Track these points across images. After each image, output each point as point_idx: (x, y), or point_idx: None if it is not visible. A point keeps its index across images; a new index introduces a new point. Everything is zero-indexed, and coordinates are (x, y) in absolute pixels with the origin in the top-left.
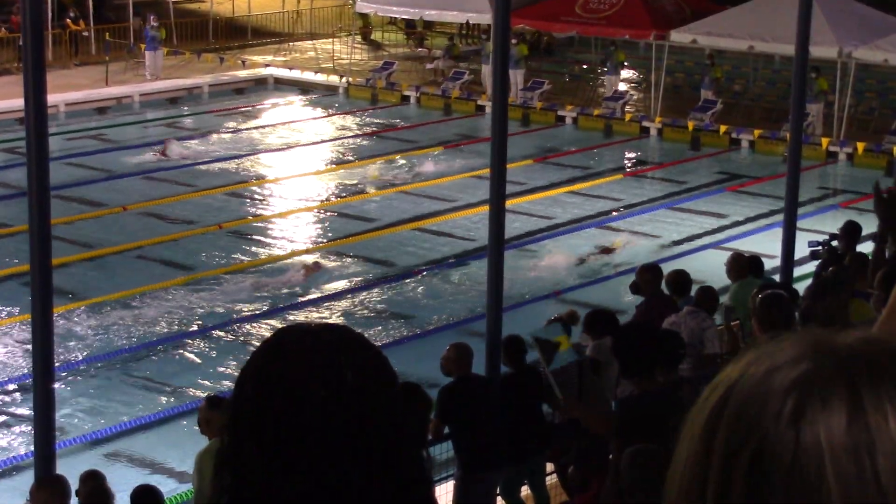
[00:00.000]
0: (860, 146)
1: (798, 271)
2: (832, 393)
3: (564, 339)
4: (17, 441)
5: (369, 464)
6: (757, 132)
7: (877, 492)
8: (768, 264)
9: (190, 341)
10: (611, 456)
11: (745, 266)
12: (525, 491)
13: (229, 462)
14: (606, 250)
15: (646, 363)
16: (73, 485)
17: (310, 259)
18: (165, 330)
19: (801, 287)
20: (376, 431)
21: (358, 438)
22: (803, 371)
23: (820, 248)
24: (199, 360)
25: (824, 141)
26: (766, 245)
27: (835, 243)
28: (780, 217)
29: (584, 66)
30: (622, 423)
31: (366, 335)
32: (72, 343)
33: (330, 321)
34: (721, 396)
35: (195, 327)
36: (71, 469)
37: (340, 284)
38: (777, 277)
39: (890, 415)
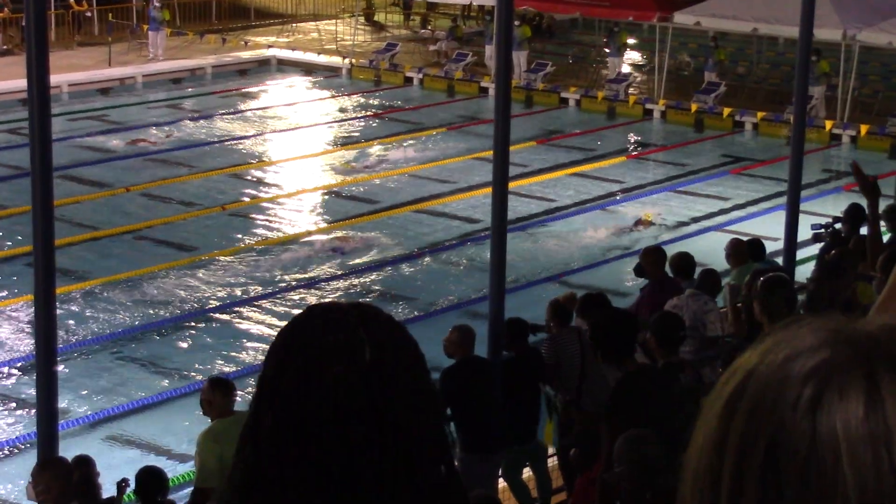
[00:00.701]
0: (863, 129)
1: (801, 254)
2: (850, 382)
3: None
4: (18, 422)
5: (387, 440)
6: (760, 115)
7: (893, 483)
8: (771, 247)
9: (192, 323)
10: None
11: (744, 252)
12: (527, 472)
13: (250, 436)
14: (641, 223)
15: (623, 348)
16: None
17: (341, 234)
18: (167, 312)
19: (803, 270)
20: (396, 408)
21: (376, 414)
22: (821, 360)
23: (823, 230)
24: (200, 342)
25: (828, 123)
26: (770, 228)
27: (838, 226)
28: (783, 200)
29: (588, 48)
30: (610, 407)
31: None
32: (74, 324)
33: (357, 301)
34: (739, 383)
35: (197, 309)
36: (71, 451)
37: (343, 266)
38: (780, 260)
39: None
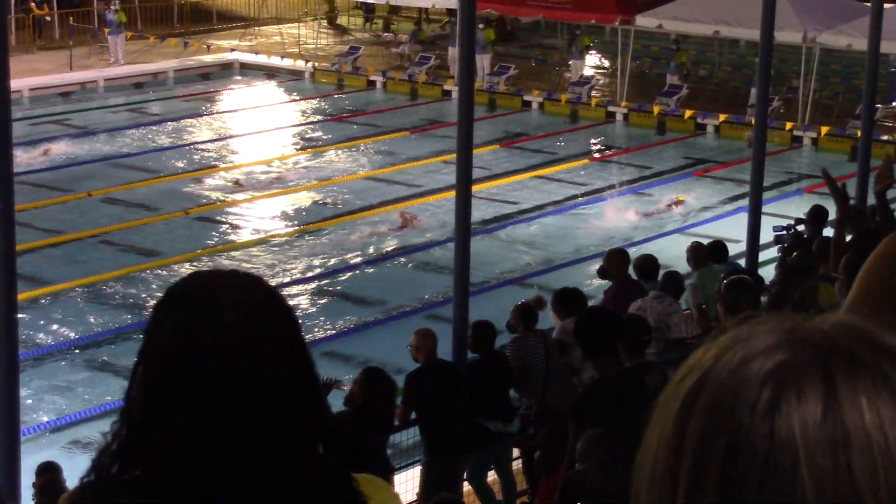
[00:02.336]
0: (824, 130)
1: (763, 256)
2: (807, 385)
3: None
4: None
5: (250, 402)
6: (722, 117)
7: (851, 487)
8: (733, 249)
9: None
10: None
11: (705, 255)
12: (492, 476)
13: (127, 392)
14: (675, 204)
15: (606, 346)
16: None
17: (407, 212)
18: (131, 316)
19: (765, 271)
20: (260, 371)
21: (239, 376)
22: (779, 361)
23: (784, 232)
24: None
25: (788, 125)
26: (732, 230)
27: (800, 228)
28: (745, 202)
29: (551, 51)
30: (581, 409)
31: (327, 317)
32: (36, 329)
33: (233, 268)
34: (695, 384)
35: None
36: (34, 457)
37: (307, 270)
38: (742, 262)
39: (865, 409)
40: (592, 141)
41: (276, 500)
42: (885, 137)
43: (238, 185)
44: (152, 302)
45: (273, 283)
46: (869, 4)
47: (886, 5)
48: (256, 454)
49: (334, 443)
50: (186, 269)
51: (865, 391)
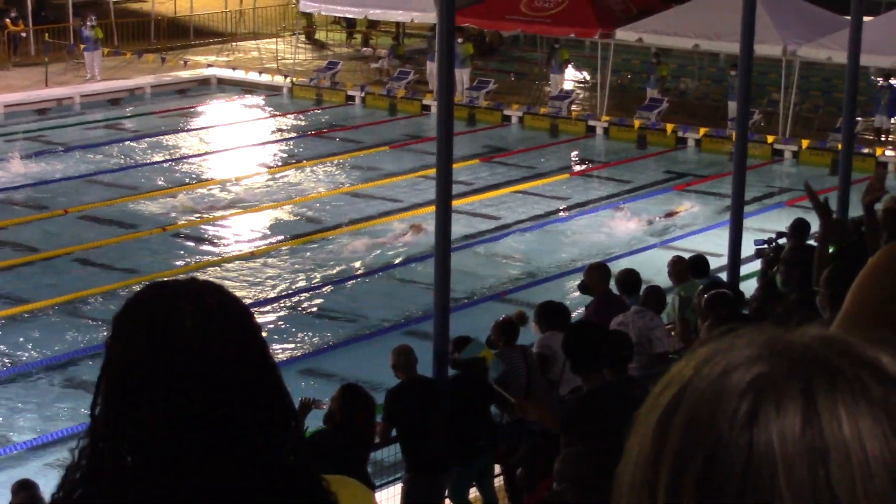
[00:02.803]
0: (805, 143)
1: (745, 270)
2: (787, 397)
3: (487, 352)
4: None
5: (212, 406)
6: (703, 131)
7: (830, 500)
8: (715, 263)
9: None
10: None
11: (685, 269)
12: (473, 492)
13: (93, 400)
14: (671, 214)
15: (595, 360)
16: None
17: (416, 222)
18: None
19: (747, 285)
20: (221, 376)
21: (199, 381)
22: (758, 373)
23: (766, 246)
24: None
25: (769, 138)
26: (713, 244)
27: (782, 241)
28: (726, 215)
29: (531, 65)
30: (568, 422)
31: (307, 334)
32: (13, 348)
33: (192, 276)
34: (674, 396)
35: None
36: (10, 477)
37: (286, 286)
38: (724, 276)
39: (844, 421)
40: (573, 155)
41: (245, 502)
42: (865, 151)
43: (209, 207)
44: None
45: (251, 300)
46: (848, 17)
47: (866, 18)
48: (223, 457)
49: (300, 443)
50: None
51: (845, 404)
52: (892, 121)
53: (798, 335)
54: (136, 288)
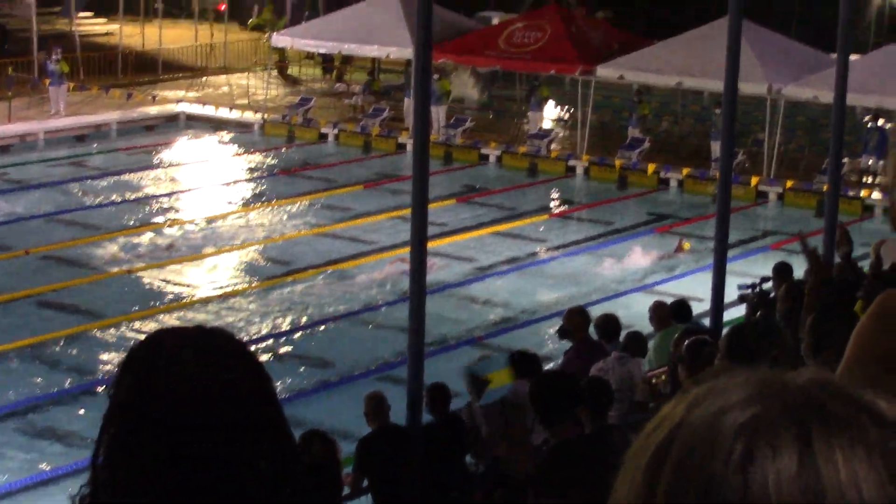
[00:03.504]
0: (789, 185)
1: (728, 315)
2: (783, 438)
3: (497, 375)
4: None
5: (217, 456)
6: (686, 171)
7: None
8: (697, 308)
9: (99, 392)
10: None
11: (667, 314)
12: None
13: (97, 445)
14: (678, 249)
15: (562, 411)
16: None
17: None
18: (71, 379)
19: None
20: (227, 425)
21: (206, 430)
22: (752, 414)
23: (749, 291)
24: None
25: (753, 180)
26: (696, 288)
27: (766, 285)
28: (709, 259)
29: (509, 103)
30: (541, 475)
31: (276, 380)
32: None
33: (199, 325)
34: (666, 437)
35: (103, 377)
36: None
37: (255, 330)
38: (707, 322)
39: (840, 463)
40: (552, 196)
41: None
42: (851, 193)
43: (171, 248)
44: (94, 364)
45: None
46: (834, 56)
47: (852, 57)
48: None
49: (305, 490)
50: (129, 331)
51: (841, 447)
52: (880, 163)
53: (793, 378)
54: (101, 331)
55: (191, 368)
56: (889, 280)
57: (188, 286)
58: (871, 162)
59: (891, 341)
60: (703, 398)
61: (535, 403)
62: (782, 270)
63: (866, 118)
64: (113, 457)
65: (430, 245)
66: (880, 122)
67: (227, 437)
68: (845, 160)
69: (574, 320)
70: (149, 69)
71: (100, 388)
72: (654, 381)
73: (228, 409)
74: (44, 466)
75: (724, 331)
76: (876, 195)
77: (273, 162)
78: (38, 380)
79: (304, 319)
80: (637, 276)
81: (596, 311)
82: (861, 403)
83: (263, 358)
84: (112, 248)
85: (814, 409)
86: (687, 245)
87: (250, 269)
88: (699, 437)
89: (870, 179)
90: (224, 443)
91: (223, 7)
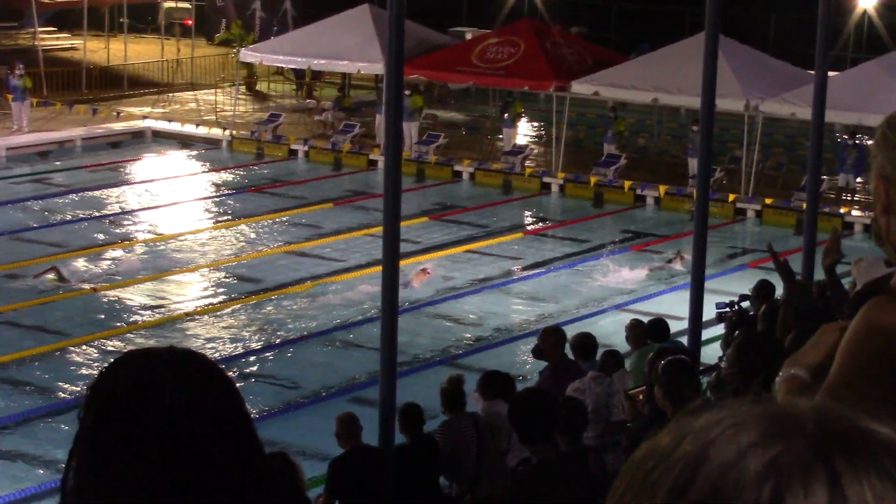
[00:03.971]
0: (768, 202)
1: (706, 334)
2: (812, 477)
3: None
4: None
5: (191, 478)
6: (662, 188)
7: None
8: (675, 327)
9: (62, 414)
10: None
11: (644, 333)
12: None
13: (66, 470)
14: (675, 259)
15: (543, 430)
16: None
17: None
18: (33, 401)
19: (709, 350)
20: (202, 447)
21: (180, 452)
22: (776, 453)
23: (727, 309)
24: (72, 434)
25: (731, 197)
26: (673, 307)
27: (745, 304)
28: (687, 277)
29: (482, 119)
30: (517, 495)
31: (250, 400)
32: None
33: (171, 345)
34: (681, 476)
35: (67, 399)
36: None
37: (222, 350)
38: (685, 340)
39: (870, 499)
40: (526, 213)
41: None
42: (828, 210)
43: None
44: (60, 385)
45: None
46: (812, 72)
47: (831, 73)
48: None
49: None
50: (95, 350)
51: (868, 481)
52: (858, 180)
53: (799, 409)
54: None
55: (164, 391)
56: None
57: (155, 305)
58: (848, 179)
59: (876, 360)
60: (715, 434)
61: (514, 422)
62: (763, 289)
63: (842, 136)
64: (83, 481)
65: (403, 263)
66: (858, 139)
67: (201, 461)
68: (824, 177)
69: (549, 339)
70: (114, 85)
71: (65, 410)
72: (640, 396)
73: (202, 432)
74: (7, 489)
75: (734, 343)
76: (856, 212)
77: (242, 179)
78: (1, 402)
79: (273, 339)
80: (613, 294)
81: (571, 330)
82: (876, 435)
83: (232, 379)
84: (76, 267)
85: (836, 444)
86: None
87: (218, 287)
88: (723, 478)
89: (848, 197)
90: (197, 466)
91: (190, 22)
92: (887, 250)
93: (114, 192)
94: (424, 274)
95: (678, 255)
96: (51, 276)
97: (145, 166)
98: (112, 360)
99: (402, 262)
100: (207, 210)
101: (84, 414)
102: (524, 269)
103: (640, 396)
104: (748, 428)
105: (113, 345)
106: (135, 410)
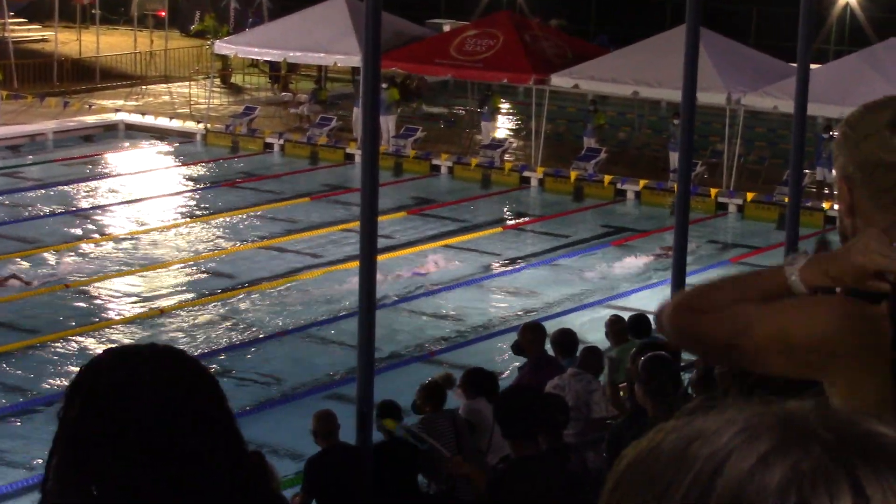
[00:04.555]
0: (750, 197)
1: None
2: (836, 484)
3: (390, 422)
4: None
5: (174, 475)
6: (643, 182)
7: None
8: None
9: (36, 410)
10: None
11: (624, 329)
12: None
13: (45, 470)
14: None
15: (528, 427)
16: None
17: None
18: (6, 399)
19: None
20: (185, 444)
21: (164, 450)
22: (796, 460)
23: None
24: (45, 432)
25: (713, 191)
26: (654, 302)
27: None
28: (668, 273)
29: (459, 112)
30: (495, 491)
31: (228, 399)
32: None
33: (153, 342)
34: (696, 484)
35: (40, 396)
36: None
37: (196, 346)
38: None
39: (892, 501)
40: (506, 208)
41: None
42: (809, 204)
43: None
44: (32, 383)
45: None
46: (794, 65)
47: (813, 66)
48: None
49: None
50: (67, 348)
51: (890, 485)
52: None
53: (804, 413)
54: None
55: (147, 389)
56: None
57: (128, 301)
58: (825, 174)
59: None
60: (726, 440)
61: (500, 418)
62: None
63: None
64: (65, 481)
65: (380, 258)
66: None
67: (187, 461)
68: (806, 171)
69: (528, 336)
70: (86, 77)
71: (38, 409)
72: (621, 393)
73: (187, 431)
74: None
75: None
76: (837, 206)
77: (216, 173)
78: None
79: (248, 335)
80: (594, 290)
81: (551, 326)
82: (881, 436)
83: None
84: (49, 262)
85: (854, 451)
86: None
87: (193, 283)
88: (744, 488)
89: (828, 190)
90: (184, 466)
91: (163, 13)
92: None
93: (86, 186)
94: (437, 264)
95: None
96: (13, 282)
97: (118, 160)
98: (93, 357)
99: (380, 258)
100: (182, 204)
101: (65, 412)
102: (503, 264)
103: (621, 393)
104: (761, 434)
105: (86, 342)
106: (118, 408)
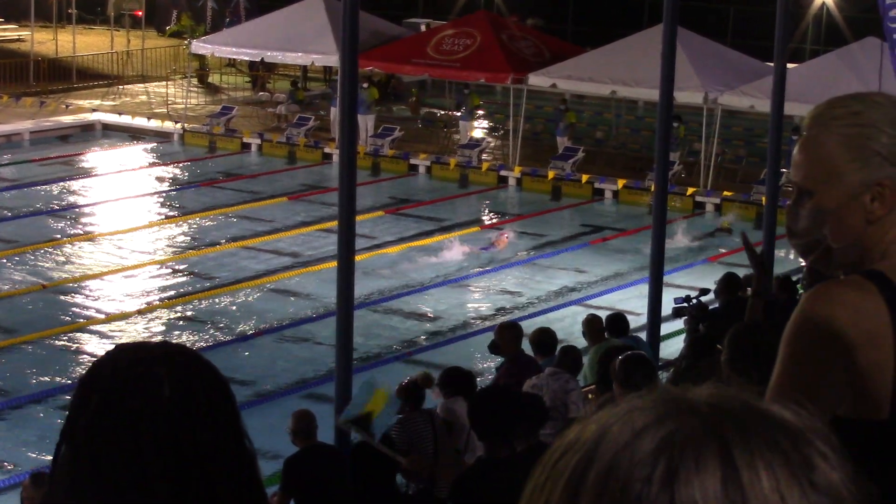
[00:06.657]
0: (727, 195)
1: (665, 329)
2: (705, 453)
3: (377, 398)
4: None
5: (187, 477)
6: (621, 182)
7: None
8: (634, 322)
9: (13, 411)
10: None
11: (600, 328)
12: None
13: (52, 467)
14: (721, 230)
15: (502, 428)
16: None
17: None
18: None
19: (667, 345)
20: (198, 445)
21: (176, 450)
22: (670, 431)
23: (685, 304)
24: (22, 434)
25: (690, 190)
26: (632, 302)
27: (704, 298)
28: (646, 272)
29: (439, 112)
30: (461, 492)
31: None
32: None
33: (165, 340)
34: (579, 462)
35: (17, 396)
36: None
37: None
38: (644, 336)
39: (762, 473)
40: (484, 207)
41: None
42: (786, 203)
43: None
44: (11, 383)
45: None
46: (771, 65)
47: (790, 65)
48: None
49: None
50: (44, 349)
51: (763, 459)
52: None
53: (697, 394)
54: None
55: (164, 385)
56: None
57: (106, 301)
58: None
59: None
60: (612, 421)
61: (474, 419)
62: (730, 283)
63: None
64: (73, 478)
65: (358, 258)
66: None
67: (202, 458)
68: (783, 171)
69: (505, 335)
70: (63, 77)
71: (15, 408)
72: (589, 397)
73: (202, 428)
74: None
75: (727, 337)
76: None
77: (194, 173)
78: None
79: (226, 335)
80: (572, 289)
81: (529, 326)
82: (768, 414)
83: None
84: (25, 263)
85: (729, 422)
86: (726, 223)
87: (170, 283)
88: (616, 460)
89: None
90: (198, 463)
91: (140, 13)
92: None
93: (63, 186)
94: (504, 240)
95: (721, 227)
96: None
97: (95, 160)
98: (104, 352)
99: (357, 257)
100: (159, 204)
101: (77, 409)
102: (481, 263)
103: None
104: (645, 412)
105: (62, 342)
106: (136, 402)
